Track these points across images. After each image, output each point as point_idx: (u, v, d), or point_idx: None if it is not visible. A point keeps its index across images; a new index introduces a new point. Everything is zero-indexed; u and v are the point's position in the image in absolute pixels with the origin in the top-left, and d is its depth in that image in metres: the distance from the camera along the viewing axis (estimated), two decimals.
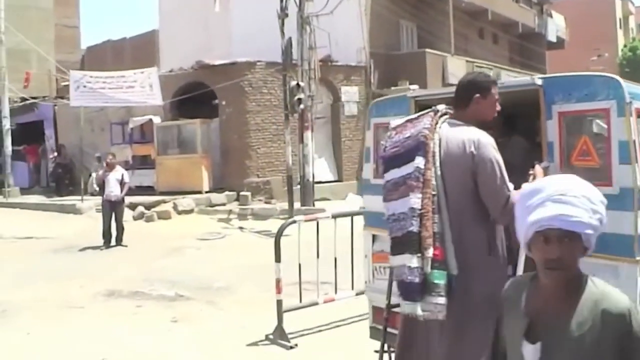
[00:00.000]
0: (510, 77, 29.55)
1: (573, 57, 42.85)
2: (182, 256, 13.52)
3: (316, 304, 7.59)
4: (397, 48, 24.74)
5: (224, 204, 19.89)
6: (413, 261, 3.44)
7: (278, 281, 7.10)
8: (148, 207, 18.85)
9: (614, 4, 54.75)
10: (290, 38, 18.38)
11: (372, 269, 5.25)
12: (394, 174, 3.68)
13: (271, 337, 7.09)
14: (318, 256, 7.54)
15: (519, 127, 5.59)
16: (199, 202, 19.48)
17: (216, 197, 20.08)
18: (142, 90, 21.01)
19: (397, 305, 3.84)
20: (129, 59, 25.41)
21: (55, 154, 24.23)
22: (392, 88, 22.48)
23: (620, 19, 56.35)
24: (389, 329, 4.35)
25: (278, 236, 7.09)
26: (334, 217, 7.77)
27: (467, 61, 25.71)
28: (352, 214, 7.94)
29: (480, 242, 3.51)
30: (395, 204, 3.62)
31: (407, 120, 3.80)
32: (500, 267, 3.58)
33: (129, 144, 22.30)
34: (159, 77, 20.93)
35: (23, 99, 24.98)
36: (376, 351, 4.76)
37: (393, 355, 4.38)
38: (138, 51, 27.57)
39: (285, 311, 7.17)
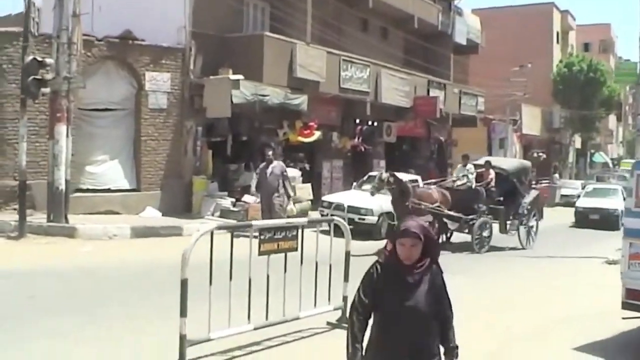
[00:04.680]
0: (395, 78, 24.97)
1: (499, 66, 38.72)
2: None
3: None
4: (239, 30, 19.86)
5: None
6: None
7: None
8: None
9: (552, 17, 50.76)
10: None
11: (628, 264, 7.62)
12: None
13: None
14: None
15: None
16: None
17: None
18: None
19: None
20: None
21: None
22: (211, 77, 17.70)
23: (558, 33, 52.44)
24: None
25: None
26: None
27: (328, 52, 20.91)
28: None
29: None
30: None
31: None
32: None
33: None
34: None
35: None
36: (624, 318, 7.96)
37: None
38: None
39: None
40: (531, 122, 44.17)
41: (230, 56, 18.32)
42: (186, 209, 17.85)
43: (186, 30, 18.04)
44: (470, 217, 15.90)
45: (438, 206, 15.31)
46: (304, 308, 7.37)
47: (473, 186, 16.47)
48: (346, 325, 7.53)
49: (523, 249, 17.08)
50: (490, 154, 37.70)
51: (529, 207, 17.51)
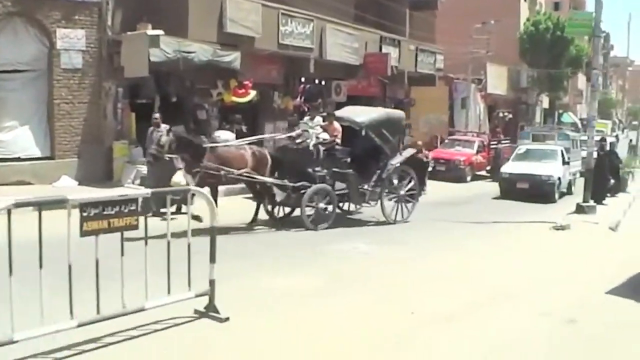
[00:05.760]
0: (342, 33, 23.57)
1: (466, 24, 37.38)
2: None
3: None
4: None
5: None
6: None
7: None
8: None
9: None
10: None
11: None
12: None
13: None
14: None
15: None
16: None
17: None
18: None
19: None
20: None
21: None
22: (129, 33, 16.26)
23: None
24: None
25: None
26: None
27: (263, 6, 19.44)
28: None
29: None
30: None
31: None
32: None
33: None
34: None
35: None
36: None
37: None
38: None
39: None
40: (497, 81, 42.98)
41: (153, 10, 16.80)
42: (107, 176, 16.56)
43: None
44: (300, 184, 12.62)
45: (249, 171, 12.24)
46: (154, 297, 6.15)
47: (311, 145, 13.02)
48: (217, 315, 6.49)
49: (390, 223, 13.87)
50: (452, 114, 36.64)
51: (400, 171, 14.37)
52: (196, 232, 6.67)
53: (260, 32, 19.14)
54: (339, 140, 13.38)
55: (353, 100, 25.99)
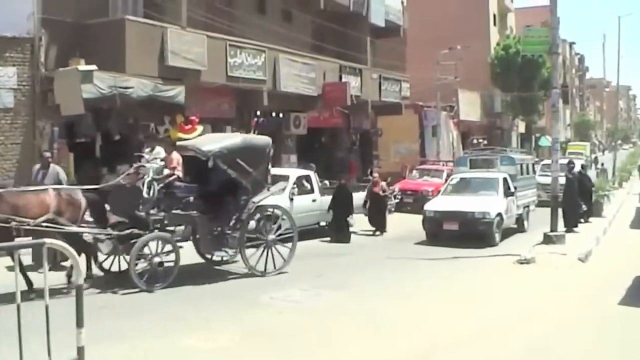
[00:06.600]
0: (297, 63, 22.87)
1: (436, 50, 36.82)
2: None
3: None
4: (105, 17, 17.54)
5: None
6: None
7: None
8: None
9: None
10: None
11: None
12: None
13: None
14: None
15: None
16: None
17: None
18: None
19: None
20: None
21: None
22: (60, 69, 15.49)
23: (495, 15, 50.90)
24: None
25: None
26: None
27: (209, 37, 18.69)
28: None
29: None
30: None
31: None
32: None
33: None
34: None
35: None
36: None
37: None
38: None
39: None
40: (469, 107, 42.68)
41: (88, 45, 16.08)
42: None
43: (35, 18, 15.75)
44: (128, 231, 10.33)
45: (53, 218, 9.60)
46: None
47: (145, 182, 10.63)
48: None
49: (260, 275, 11.44)
50: (423, 142, 35.97)
51: (265, 210, 12.05)
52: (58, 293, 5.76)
53: (205, 64, 18.38)
54: (179, 174, 11.16)
55: (315, 132, 25.36)
